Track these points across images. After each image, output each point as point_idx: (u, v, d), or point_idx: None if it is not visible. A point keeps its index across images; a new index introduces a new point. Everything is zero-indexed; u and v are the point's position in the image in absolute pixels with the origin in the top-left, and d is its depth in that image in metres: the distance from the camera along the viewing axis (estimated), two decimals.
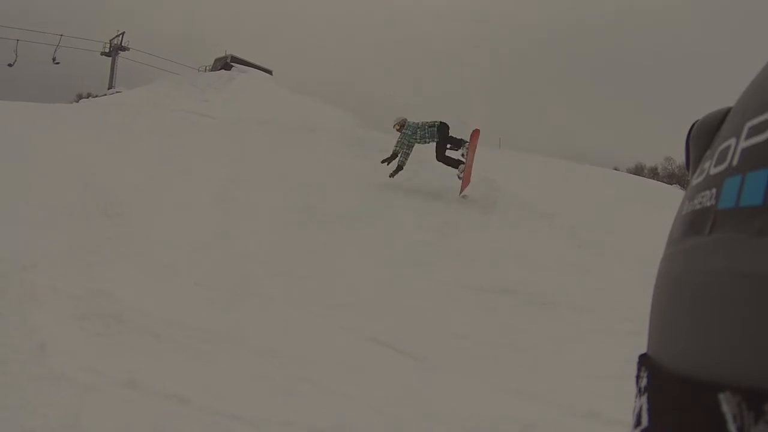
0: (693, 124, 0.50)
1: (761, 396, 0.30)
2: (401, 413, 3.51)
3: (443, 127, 10.83)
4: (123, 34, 43.75)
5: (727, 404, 0.31)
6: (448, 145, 10.73)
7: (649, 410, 0.40)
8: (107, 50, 43.53)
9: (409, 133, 10.78)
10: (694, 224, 0.41)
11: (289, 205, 8.55)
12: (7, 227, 6.14)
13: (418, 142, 10.84)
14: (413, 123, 10.97)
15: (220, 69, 34.20)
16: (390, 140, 10.74)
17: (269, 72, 35.88)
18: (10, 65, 39.48)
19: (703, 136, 0.47)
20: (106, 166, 9.67)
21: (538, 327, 5.10)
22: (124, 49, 43.24)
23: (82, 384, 3.49)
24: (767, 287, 0.32)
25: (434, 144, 10.76)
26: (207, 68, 38.57)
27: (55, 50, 41.67)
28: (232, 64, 35.22)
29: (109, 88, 37.46)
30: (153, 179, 9.19)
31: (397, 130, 10.99)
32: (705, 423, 0.33)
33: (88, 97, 33.71)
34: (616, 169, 24.62)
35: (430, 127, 10.83)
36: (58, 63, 42.13)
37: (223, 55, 38.56)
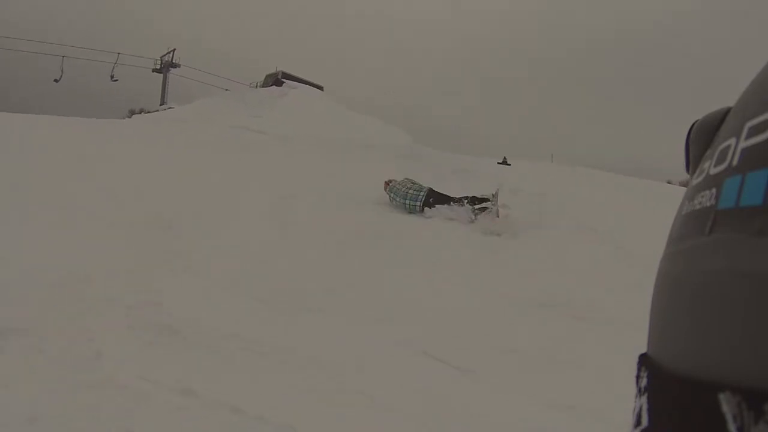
0: (693, 124, 0.51)
1: (761, 396, 0.31)
2: (450, 427, 3.53)
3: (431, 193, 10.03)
4: (174, 51, 44.75)
5: (727, 404, 0.32)
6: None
7: (649, 410, 0.40)
8: (159, 67, 44.55)
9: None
10: (694, 224, 0.41)
11: (343, 220, 8.64)
12: (64, 240, 6.35)
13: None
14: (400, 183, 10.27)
15: (271, 85, 34.66)
16: (443, 156, 10.73)
17: (320, 88, 36.18)
18: (56, 81, 40.56)
19: (703, 136, 0.48)
20: (160, 181, 9.90)
21: (587, 342, 5.06)
22: (175, 65, 44.23)
23: (137, 391, 3.58)
24: (767, 287, 0.32)
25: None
26: (258, 84, 39.12)
27: (113, 68, 42.86)
28: (284, 80, 35.57)
29: (161, 104, 38.27)
30: (207, 194, 9.39)
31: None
32: (705, 423, 0.33)
33: (140, 113, 34.41)
34: (669, 183, 24.16)
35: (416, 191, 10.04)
36: (116, 80, 43.30)
37: (274, 71, 39.00)
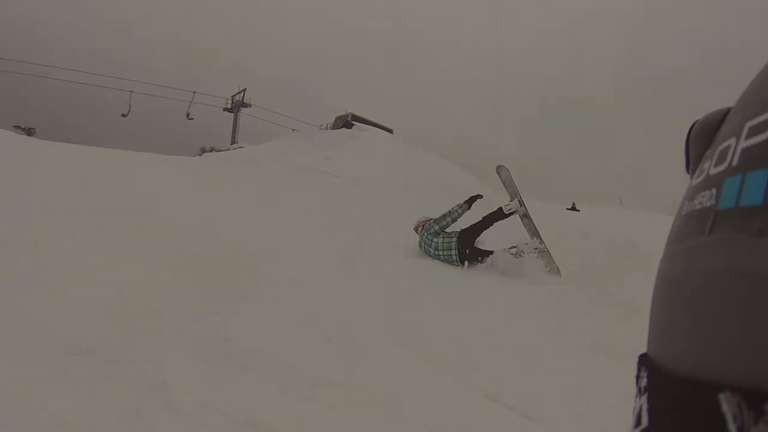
0: (693, 124, 0.51)
1: (761, 396, 0.31)
2: None
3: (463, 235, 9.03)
4: (245, 90, 45.82)
5: (727, 404, 0.32)
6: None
7: (649, 410, 0.41)
8: (229, 106, 45.65)
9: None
10: (694, 224, 0.41)
11: (412, 262, 8.64)
12: (136, 272, 6.48)
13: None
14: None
15: (341, 127, 35.17)
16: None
17: (390, 131, 36.62)
18: (123, 116, 41.97)
19: (703, 136, 0.48)
20: (231, 218, 10.11)
21: None
22: (246, 105, 45.33)
23: (202, 420, 3.59)
24: (767, 287, 0.32)
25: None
26: (328, 126, 39.73)
27: (189, 106, 44.14)
28: (353, 122, 36.06)
29: (231, 143, 39.18)
30: (277, 231, 9.54)
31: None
32: (705, 423, 0.33)
33: (211, 151, 35.27)
34: None
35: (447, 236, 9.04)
36: (192, 119, 44.54)
37: (344, 113, 39.57)
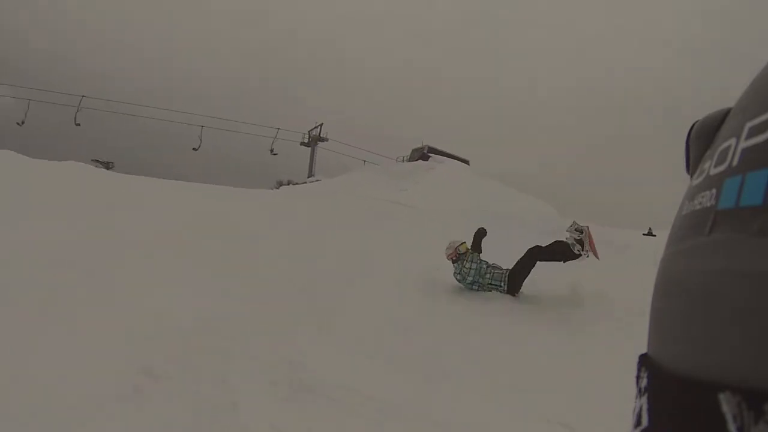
0: (693, 125, 0.51)
1: (761, 396, 0.31)
2: None
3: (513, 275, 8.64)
4: (321, 125, 46.41)
5: (727, 404, 0.32)
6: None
7: (649, 410, 0.40)
8: (306, 141, 46.29)
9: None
10: (694, 224, 0.41)
11: (482, 295, 8.60)
12: (210, 300, 6.67)
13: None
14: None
15: (417, 159, 35.26)
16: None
17: (466, 162, 36.50)
18: (195, 149, 42.97)
19: (703, 137, 0.48)
20: (306, 248, 10.24)
21: None
22: (323, 140, 45.85)
23: None
24: (767, 287, 0.32)
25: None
26: (404, 158, 39.88)
27: (273, 142, 44.98)
28: (429, 154, 36.10)
29: (309, 176, 39.68)
30: (352, 263, 9.60)
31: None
32: (705, 423, 0.33)
33: (288, 184, 35.81)
34: None
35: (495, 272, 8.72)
36: (275, 154, 45.33)
37: (420, 145, 39.68)
